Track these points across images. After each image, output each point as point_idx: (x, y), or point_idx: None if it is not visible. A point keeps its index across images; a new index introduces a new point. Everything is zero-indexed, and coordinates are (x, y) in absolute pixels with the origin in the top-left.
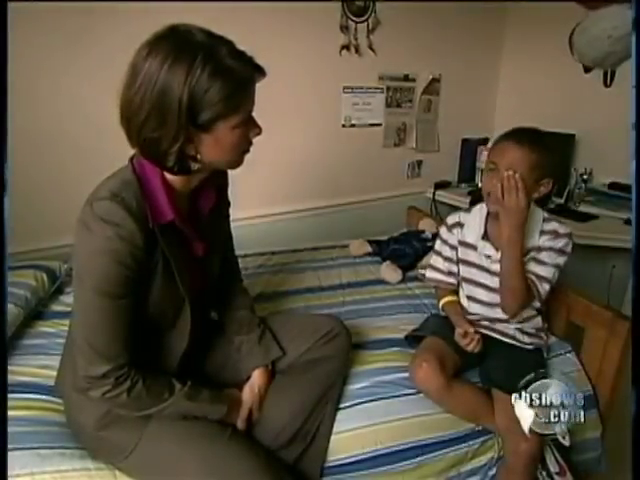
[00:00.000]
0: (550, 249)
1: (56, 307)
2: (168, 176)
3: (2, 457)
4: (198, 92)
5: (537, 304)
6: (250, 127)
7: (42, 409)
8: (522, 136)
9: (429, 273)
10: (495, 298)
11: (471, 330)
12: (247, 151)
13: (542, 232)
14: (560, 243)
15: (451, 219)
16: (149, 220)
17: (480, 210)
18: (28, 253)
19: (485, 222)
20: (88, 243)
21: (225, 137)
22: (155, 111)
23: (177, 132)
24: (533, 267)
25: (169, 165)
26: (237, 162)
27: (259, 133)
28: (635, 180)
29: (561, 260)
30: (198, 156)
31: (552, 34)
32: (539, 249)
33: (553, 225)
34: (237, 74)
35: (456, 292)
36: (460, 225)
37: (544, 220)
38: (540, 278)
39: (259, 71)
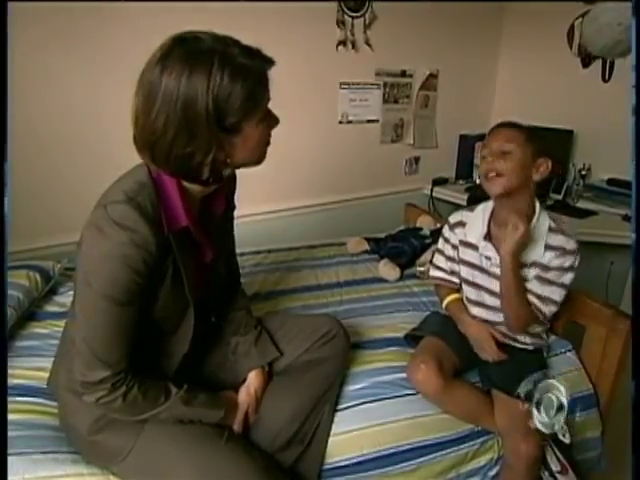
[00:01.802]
0: (558, 268)
1: (50, 308)
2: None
3: (2, 463)
4: (222, 97)
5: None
6: (269, 119)
7: (35, 412)
8: (508, 122)
9: (432, 272)
10: (495, 301)
11: (503, 356)
12: (269, 143)
13: (548, 246)
14: (568, 261)
15: (453, 218)
16: (164, 226)
17: (483, 210)
18: (21, 253)
19: (488, 223)
20: (100, 247)
21: (252, 134)
22: (183, 127)
23: (209, 142)
24: (538, 288)
25: (204, 177)
26: (262, 157)
27: (278, 122)
28: (635, 174)
29: (568, 278)
30: (228, 160)
31: (550, 29)
32: (546, 268)
33: (559, 240)
34: (253, 71)
35: (457, 290)
36: (462, 224)
37: (550, 230)
38: (545, 300)
39: (269, 61)
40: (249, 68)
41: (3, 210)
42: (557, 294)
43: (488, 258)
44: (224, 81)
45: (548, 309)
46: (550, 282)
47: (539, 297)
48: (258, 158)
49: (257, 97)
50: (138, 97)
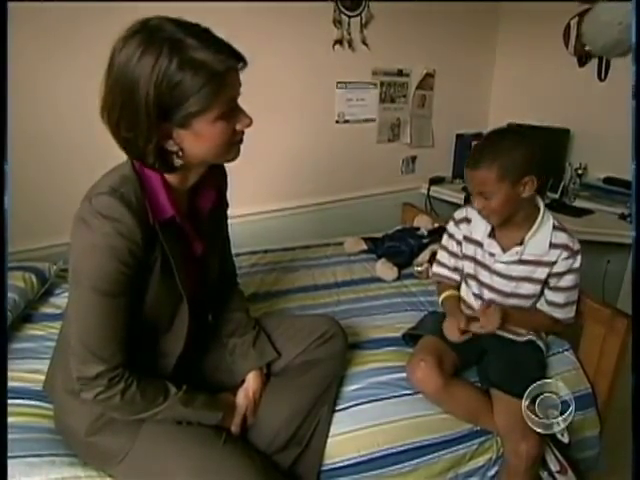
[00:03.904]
0: (570, 271)
1: (45, 309)
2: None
3: (2, 468)
4: (166, 87)
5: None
6: (236, 118)
7: (31, 415)
8: (478, 157)
9: (435, 268)
10: (493, 296)
11: (461, 338)
12: (239, 142)
13: (552, 244)
14: (577, 262)
15: (458, 214)
16: (149, 216)
17: None
18: (16, 254)
19: None
20: (86, 239)
21: (206, 131)
22: (126, 110)
23: (149, 130)
24: (556, 297)
25: (149, 162)
26: (229, 154)
27: (249, 124)
28: (635, 162)
29: (579, 277)
30: (180, 152)
31: (547, 28)
32: (560, 275)
33: (562, 238)
34: (208, 66)
35: (457, 288)
36: (467, 220)
37: (554, 228)
38: (567, 305)
39: (237, 59)
40: (203, 62)
41: (3, 208)
42: (576, 295)
43: (492, 255)
44: (170, 71)
45: (572, 311)
46: (567, 288)
47: (561, 305)
48: (223, 155)
49: (211, 94)
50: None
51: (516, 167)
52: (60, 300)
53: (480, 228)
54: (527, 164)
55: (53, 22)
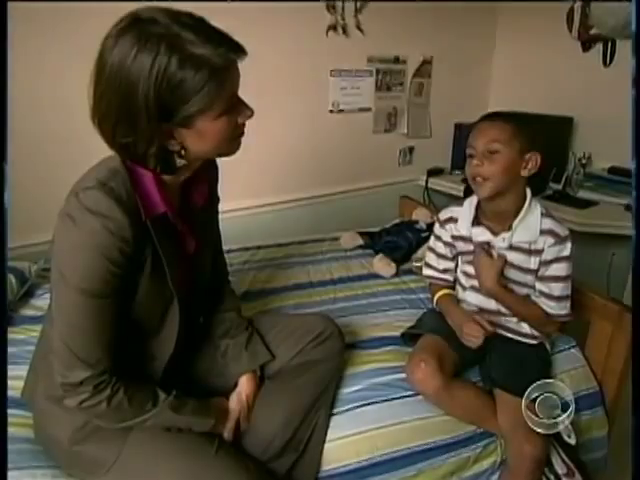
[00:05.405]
0: (558, 259)
1: (26, 311)
2: None
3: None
4: (166, 87)
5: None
6: (238, 111)
7: (11, 425)
8: (493, 115)
9: (425, 270)
10: None
11: (484, 323)
12: (241, 135)
13: (541, 231)
14: (567, 250)
15: (443, 214)
16: (140, 212)
17: (471, 201)
18: None
19: (476, 210)
20: (72, 236)
21: (209, 129)
22: (124, 114)
23: (151, 134)
24: (545, 287)
25: (151, 166)
26: (232, 148)
27: (251, 115)
28: (636, 154)
29: (571, 266)
30: (182, 152)
31: (549, 13)
32: (547, 263)
33: (550, 224)
34: (210, 62)
35: (452, 288)
36: (453, 220)
37: (542, 215)
38: (558, 299)
39: (237, 51)
40: (204, 58)
41: (3, 207)
42: (569, 288)
43: (486, 244)
44: (170, 70)
45: (565, 307)
46: (559, 277)
47: (551, 297)
48: (226, 150)
49: (214, 90)
50: (94, 69)
51: (526, 137)
52: (41, 302)
53: (466, 223)
54: (534, 141)
55: (32, 17)
